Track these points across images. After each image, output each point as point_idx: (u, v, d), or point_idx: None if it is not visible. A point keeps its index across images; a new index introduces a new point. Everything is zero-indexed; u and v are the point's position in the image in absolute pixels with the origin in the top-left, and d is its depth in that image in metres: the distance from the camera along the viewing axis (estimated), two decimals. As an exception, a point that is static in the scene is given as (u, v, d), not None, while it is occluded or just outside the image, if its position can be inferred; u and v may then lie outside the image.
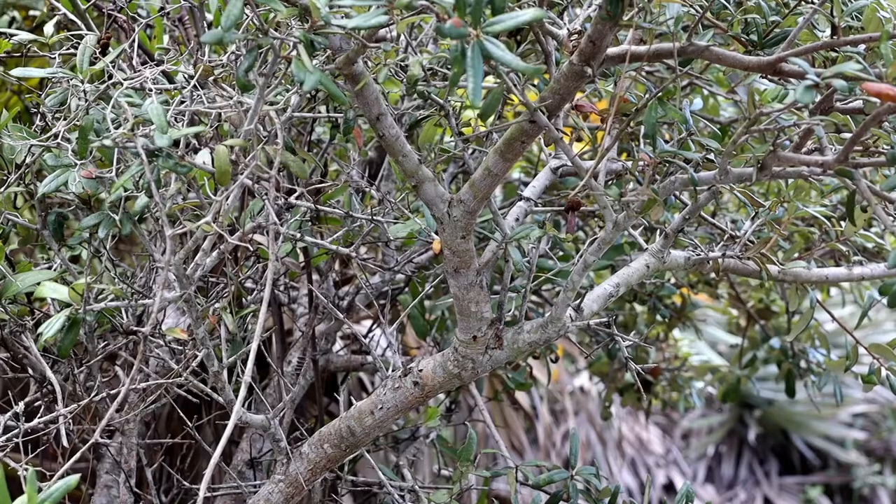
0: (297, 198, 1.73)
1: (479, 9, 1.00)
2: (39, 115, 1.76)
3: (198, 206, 1.59)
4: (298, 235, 1.72)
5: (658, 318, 2.56)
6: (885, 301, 1.75)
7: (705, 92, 2.00)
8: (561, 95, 1.34)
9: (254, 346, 1.44)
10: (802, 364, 2.61)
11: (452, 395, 2.49)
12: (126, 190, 1.50)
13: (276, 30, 1.32)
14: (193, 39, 1.79)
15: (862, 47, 1.32)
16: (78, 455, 1.57)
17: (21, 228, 1.89)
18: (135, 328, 1.69)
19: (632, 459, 4.71)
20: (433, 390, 1.67)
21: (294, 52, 1.26)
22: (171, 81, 1.72)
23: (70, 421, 1.76)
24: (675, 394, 2.88)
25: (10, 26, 2.18)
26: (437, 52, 1.65)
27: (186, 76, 1.64)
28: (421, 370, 1.65)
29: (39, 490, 1.24)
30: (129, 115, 1.46)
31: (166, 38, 1.89)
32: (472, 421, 2.42)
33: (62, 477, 1.26)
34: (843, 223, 1.78)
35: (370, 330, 2.34)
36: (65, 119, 1.58)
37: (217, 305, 1.71)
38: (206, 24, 1.82)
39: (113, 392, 1.76)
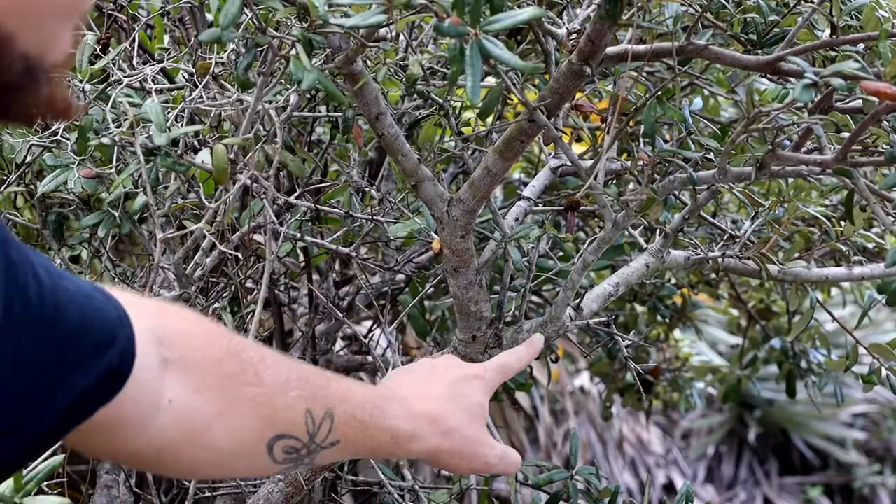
0: (296, 197, 1.73)
1: (477, 7, 1.00)
2: (39, 115, 1.75)
3: (197, 206, 1.59)
4: (298, 235, 1.72)
5: (658, 318, 2.56)
6: (883, 299, 1.75)
7: (706, 92, 2.00)
8: (560, 94, 1.34)
9: (253, 345, 1.43)
10: (803, 364, 2.60)
11: (452, 396, 2.49)
12: (125, 188, 1.50)
13: (275, 29, 1.32)
14: (194, 39, 1.80)
15: (861, 46, 1.32)
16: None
17: (21, 228, 1.89)
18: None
19: (632, 459, 4.71)
20: (433, 390, 1.66)
21: (293, 51, 1.26)
22: (171, 81, 1.73)
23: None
24: (675, 394, 2.88)
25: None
26: (437, 51, 1.65)
27: (186, 75, 1.64)
28: (420, 370, 1.65)
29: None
30: (130, 113, 1.46)
31: (167, 38, 1.89)
32: (472, 421, 2.42)
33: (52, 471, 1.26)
34: (843, 223, 1.78)
35: (370, 330, 2.34)
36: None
37: (217, 305, 1.71)
38: (207, 24, 1.82)
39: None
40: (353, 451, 1.04)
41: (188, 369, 0.89)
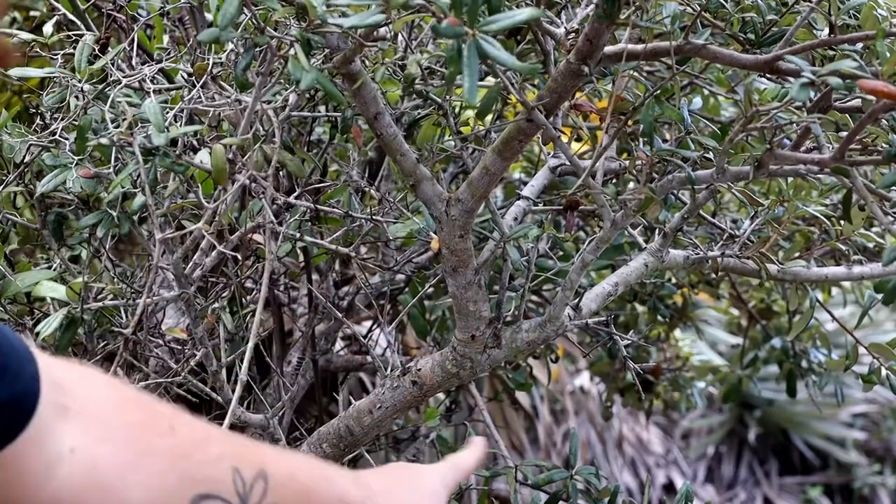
0: (296, 197, 1.73)
1: (475, 8, 1.00)
2: (39, 115, 1.76)
3: (196, 206, 1.59)
4: (298, 235, 1.72)
5: (659, 318, 2.56)
6: (881, 298, 1.75)
7: (705, 91, 2.00)
8: (558, 94, 1.34)
9: (250, 345, 1.44)
10: (803, 364, 2.60)
11: (452, 395, 2.49)
12: (124, 188, 1.50)
13: (274, 29, 1.32)
14: (193, 39, 1.80)
15: (859, 45, 1.32)
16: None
17: (21, 228, 1.89)
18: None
19: (632, 459, 4.70)
20: (432, 389, 1.67)
21: (291, 51, 1.26)
22: (170, 81, 1.73)
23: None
24: (676, 394, 2.88)
25: (10, 26, 2.18)
26: (436, 51, 1.65)
27: (185, 75, 1.65)
28: (419, 369, 1.66)
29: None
30: (128, 113, 1.46)
31: (166, 38, 1.89)
32: (472, 421, 2.42)
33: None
34: (843, 222, 1.78)
35: (370, 330, 2.34)
36: (63, 118, 1.59)
37: (216, 305, 1.71)
38: (207, 24, 1.82)
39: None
40: None
41: (90, 416, 0.81)
